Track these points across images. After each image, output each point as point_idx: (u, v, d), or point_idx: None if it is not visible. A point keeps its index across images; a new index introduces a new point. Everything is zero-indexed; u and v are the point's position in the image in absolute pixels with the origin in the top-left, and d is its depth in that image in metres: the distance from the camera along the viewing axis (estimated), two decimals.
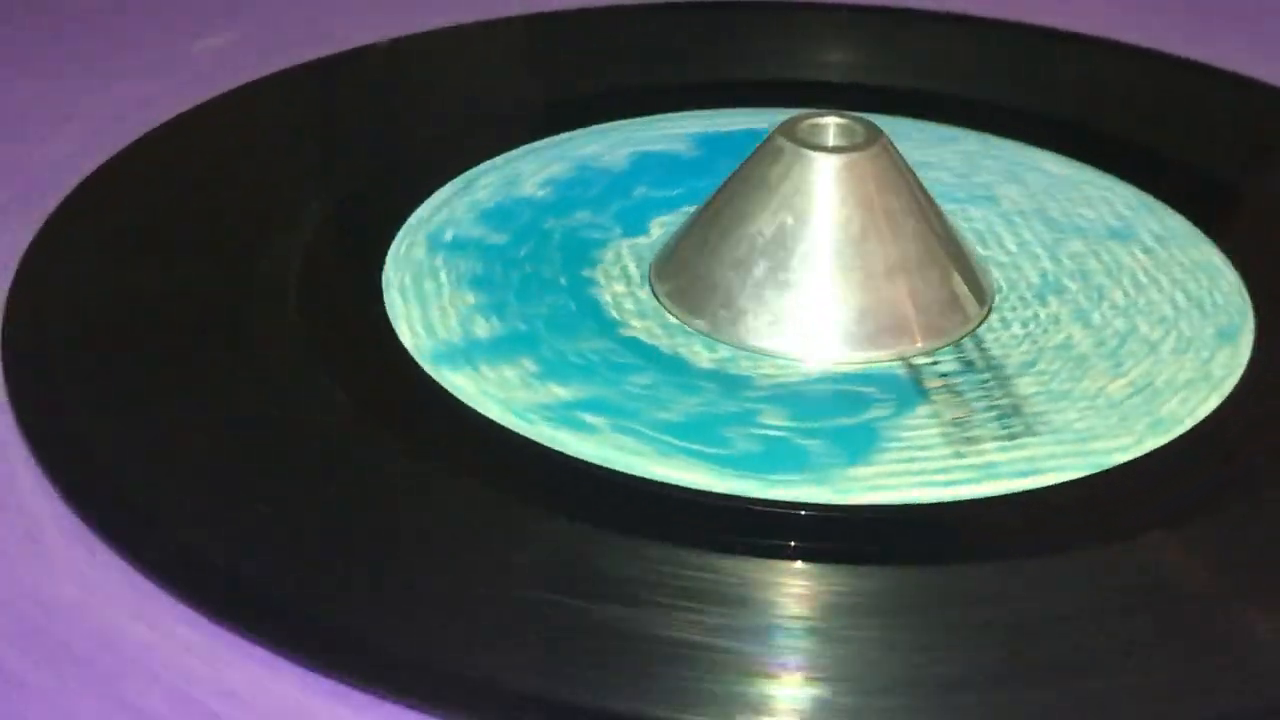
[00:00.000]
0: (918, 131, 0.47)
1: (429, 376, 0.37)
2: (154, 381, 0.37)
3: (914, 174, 0.41)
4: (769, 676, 0.30)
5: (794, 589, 0.32)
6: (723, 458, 0.35)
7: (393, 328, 0.39)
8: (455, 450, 0.35)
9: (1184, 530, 0.34)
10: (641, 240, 0.42)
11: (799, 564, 0.33)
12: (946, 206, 0.42)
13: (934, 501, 0.34)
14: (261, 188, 0.44)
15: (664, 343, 0.39)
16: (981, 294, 0.40)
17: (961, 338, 0.39)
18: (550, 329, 0.39)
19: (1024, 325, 0.39)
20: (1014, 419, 0.36)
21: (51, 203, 0.43)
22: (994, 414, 0.37)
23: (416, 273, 0.41)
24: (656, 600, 0.31)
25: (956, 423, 0.36)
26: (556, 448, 0.35)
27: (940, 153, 0.46)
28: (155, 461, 0.35)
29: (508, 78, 0.51)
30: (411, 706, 0.30)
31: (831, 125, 0.41)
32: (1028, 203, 0.44)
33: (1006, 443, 0.36)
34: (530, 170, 0.45)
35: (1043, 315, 0.40)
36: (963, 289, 0.40)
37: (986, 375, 0.38)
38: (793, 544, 0.33)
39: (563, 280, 0.41)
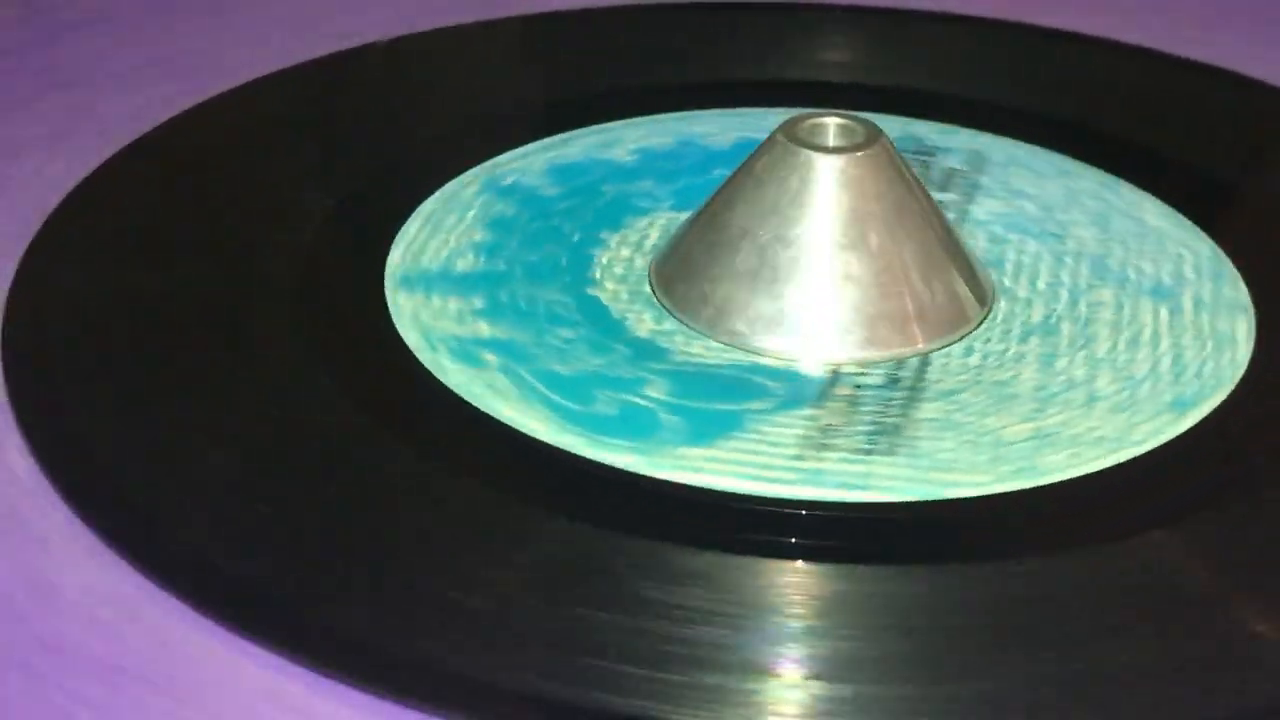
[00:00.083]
0: (1015, 148, 0.47)
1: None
2: (154, 381, 0.37)
3: (914, 174, 0.41)
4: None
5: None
6: (570, 412, 0.36)
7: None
8: (455, 450, 0.35)
9: (1184, 530, 0.34)
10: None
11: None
12: (1011, 237, 0.42)
13: (727, 490, 0.34)
14: (261, 188, 0.44)
15: (617, 308, 0.39)
16: (982, 295, 0.40)
17: (962, 338, 0.39)
18: (525, 275, 0.40)
19: (985, 357, 0.39)
20: (884, 437, 0.36)
21: (52, 203, 0.43)
22: (870, 429, 0.36)
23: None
24: (657, 600, 0.31)
25: (825, 429, 0.36)
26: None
27: (1046, 185, 0.45)
28: (155, 461, 0.35)
29: (508, 77, 0.51)
30: (411, 706, 0.30)
31: (831, 125, 0.41)
32: (1094, 246, 0.43)
33: (855, 456, 0.35)
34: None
35: (1011, 351, 0.39)
36: (963, 289, 0.40)
37: (899, 394, 0.37)
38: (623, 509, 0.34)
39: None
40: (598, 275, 0.41)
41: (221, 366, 0.38)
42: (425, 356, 0.37)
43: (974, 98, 0.50)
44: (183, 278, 0.40)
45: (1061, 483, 0.35)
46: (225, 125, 0.47)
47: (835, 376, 0.38)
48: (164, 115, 0.47)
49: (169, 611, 0.31)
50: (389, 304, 0.39)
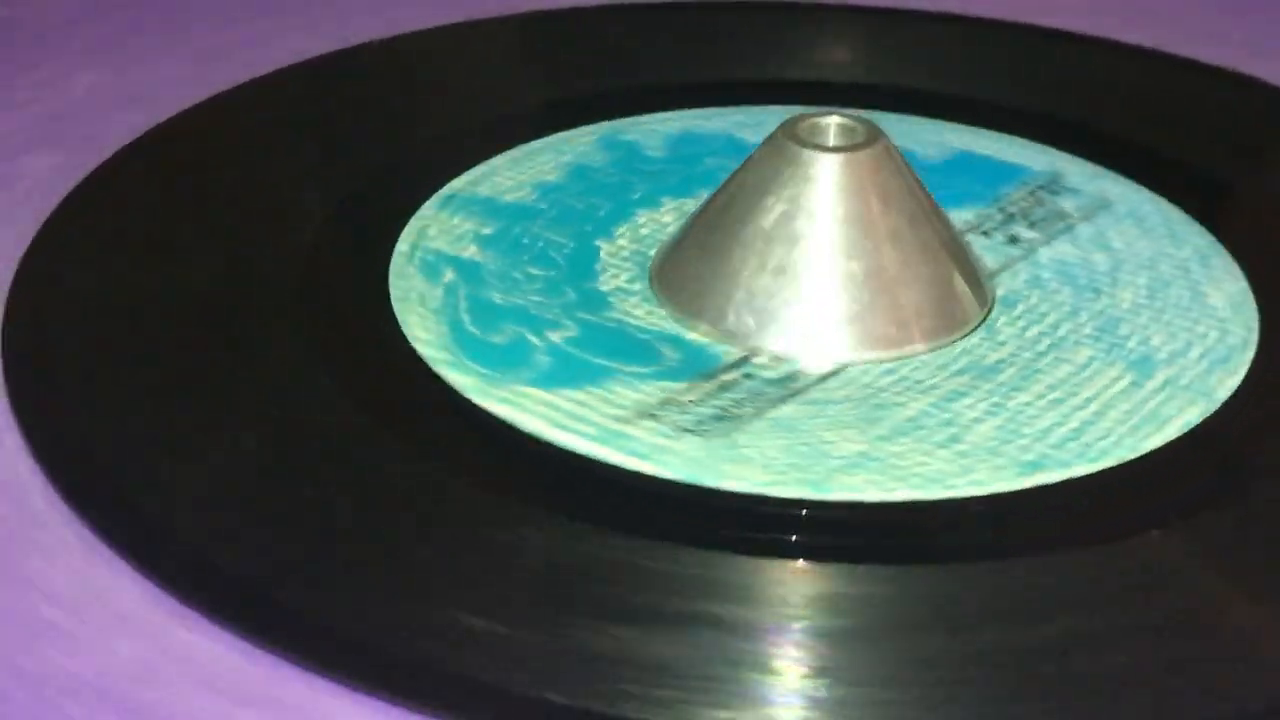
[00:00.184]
0: (1143, 200, 0.45)
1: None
2: (154, 381, 0.37)
3: (914, 174, 0.41)
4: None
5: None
6: (465, 333, 0.38)
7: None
8: (456, 450, 0.35)
9: (1184, 530, 0.34)
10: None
11: None
12: (1052, 283, 0.41)
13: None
14: (261, 188, 0.44)
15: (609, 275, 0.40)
16: (983, 295, 0.40)
17: (961, 338, 0.39)
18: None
19: (900, 380, 0.38)
20: (717, 424, 0.36)
21: (52, 202, 0.43)
22: (710, 414, 0.36)
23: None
24: (657, 600, 0.31)
25: (668, 403, 0.36)
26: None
27: (1138, 243, 0.43)
28: (155, 461, 0.35)
29: (506, 77, 0.51)
30: (411, 707, 0.30)
31: (832, 125, 0.41)
32: (1124, 310, 0.40)
33: (671, 432, 0.35)
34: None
35: (930, 381, 0.38)
36: (964, 290, 0.40)
37: (777, 391, 0.37)
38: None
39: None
40: (598, 269, 0.41)
41: (221, 366, 0.38)
42: (405, 271, 0.39)
43: (974, 97, 0.50)
44: (183, 278, 0.40)
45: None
46: (225, 125, 0.47)
47: (740, 362, 0.38)
48: (164, 115, 0.47)
49: (169, 611, 0.31)
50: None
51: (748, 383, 0.37)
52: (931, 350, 0.39)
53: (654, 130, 0.48)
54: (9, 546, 0.33)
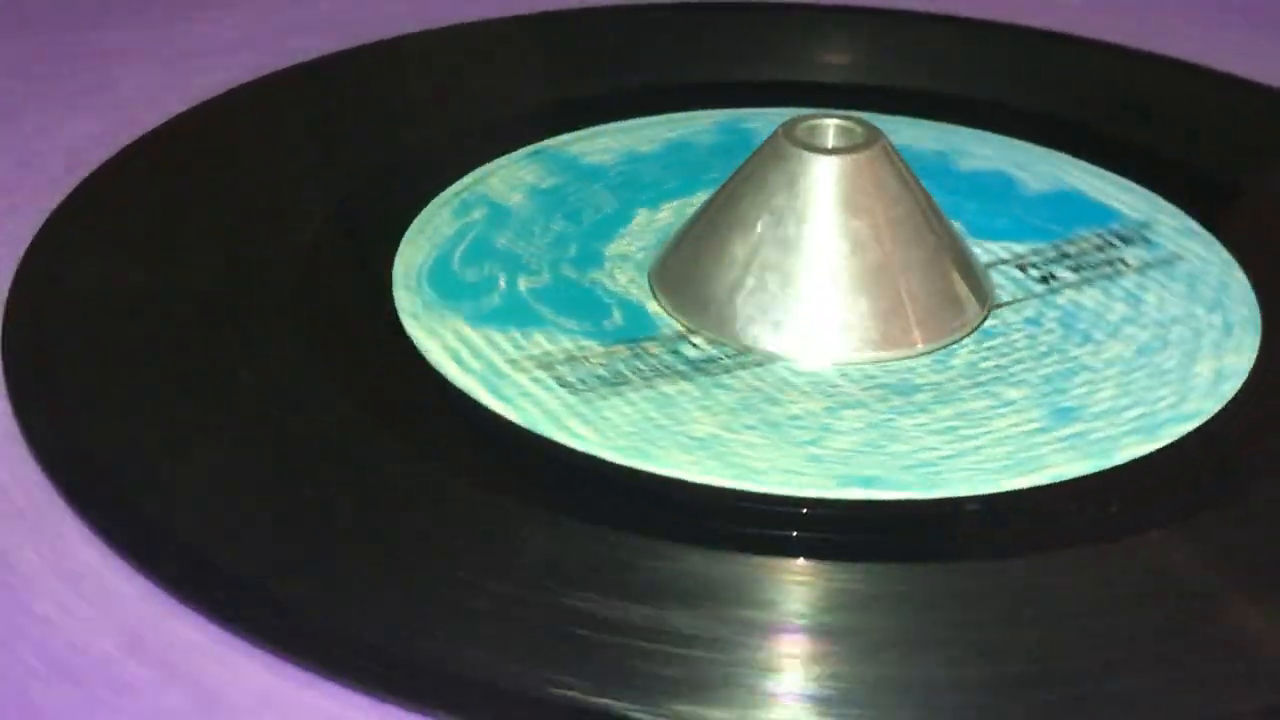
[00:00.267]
0: (1220, 262, 0.43)
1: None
2: (154, 381, 0.37)
3: (914, 175, 0.41)
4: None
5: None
6: (444, 262, 0.40)
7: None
8: (456, 450, 0.36)
9: (1184, 530, 0.34)
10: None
11: None
12: (1056, 328, 0.40)
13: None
14: (261, 188, 0.44)
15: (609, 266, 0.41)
16: (983, 295, 0.40)
17: (961, 338, 0.39)
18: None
19: (814, 380, 0.37)
20: (603, 387, 0.36)
21: (52, 202, 0.43)
22: (604, 373, 0.37)
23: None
24: (657, 598, 0.32)
25: (578, 361, 0.37)
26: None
27: (1172, 304, 0.41)
28: (155, 461, 0.35)
29: (506, 77, 0.51)
30: (411, 707, 0.30)
31: (831, 126, 0.41)
32: (1104, 360, 0.39)
33: (546, 379, 0.37)
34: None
35: (847, 388, 0.37)
36: (963, 290, 0.40)
37: (685, 368, 0.37)
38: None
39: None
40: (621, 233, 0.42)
41: (221, 366, 0.38)
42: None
43: (974, 97, 0.50)
44: (183, 277, 0.40)
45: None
46: (225, 125, 0.47)
47: (678, 339, 0.38)
48: (164, 115, 0.47)
49: (169, 611, 0.31)
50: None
51: (665, 357, 0.38)
52: (929, 352, 0.39)
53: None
54: (9, 547, 0.33)
